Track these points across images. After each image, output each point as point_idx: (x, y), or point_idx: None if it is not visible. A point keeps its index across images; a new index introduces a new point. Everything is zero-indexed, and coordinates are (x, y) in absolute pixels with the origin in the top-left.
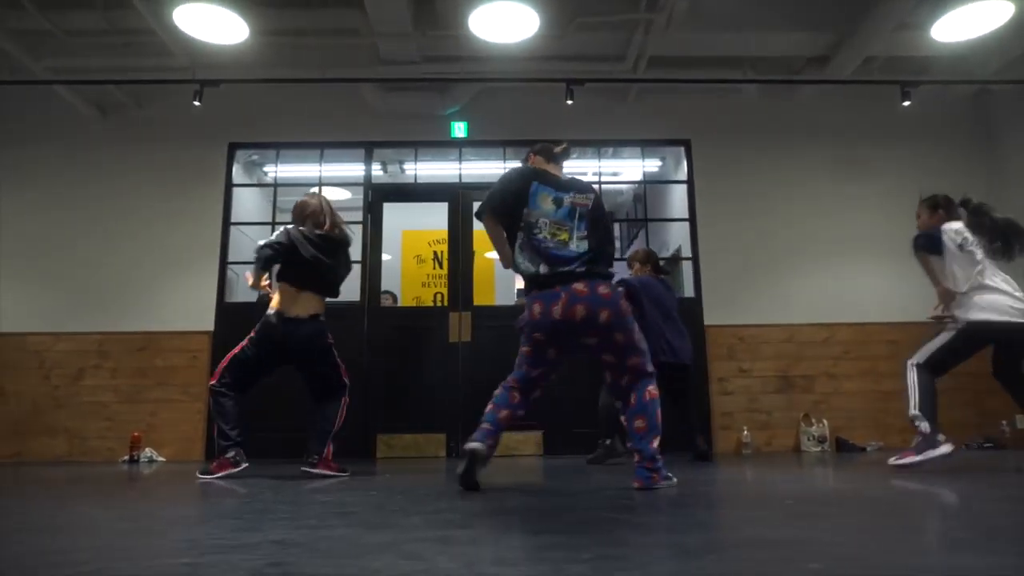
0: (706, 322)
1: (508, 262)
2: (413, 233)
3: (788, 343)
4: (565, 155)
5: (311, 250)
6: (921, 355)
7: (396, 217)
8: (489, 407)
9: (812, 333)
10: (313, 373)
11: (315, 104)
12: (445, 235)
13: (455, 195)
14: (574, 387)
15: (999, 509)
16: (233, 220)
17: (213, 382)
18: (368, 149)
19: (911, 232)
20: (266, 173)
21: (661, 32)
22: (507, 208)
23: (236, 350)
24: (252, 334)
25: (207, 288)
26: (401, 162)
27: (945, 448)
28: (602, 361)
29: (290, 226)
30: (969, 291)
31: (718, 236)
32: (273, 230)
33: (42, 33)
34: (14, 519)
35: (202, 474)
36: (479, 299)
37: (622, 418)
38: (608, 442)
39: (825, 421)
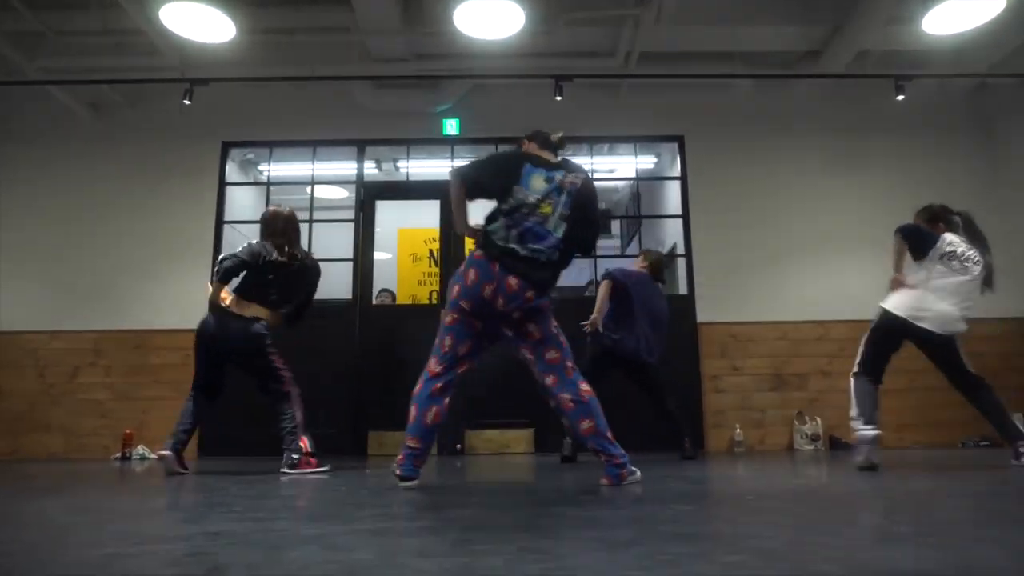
0: (699, 319)
1: (463, 228)
2: (409, 231)
3: (782, 341)
4: (560, 146)
5: (267, 273)
6: (856, 362)
7: (393, 215)
8: (412, 413)
9: (806, 331)
10: (252, 373)
11: (307, 102)
12: (439, 233)
13: (447, 193)
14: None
15: (955, 505)
16: (227, 218)
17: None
18: (360, 147)
19: None
20: (261, 171)
21: (650, 27)
22: (488, 185)
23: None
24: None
25: (201, 286)
26: (395, 160)
27: (869, 432)
28: (526, 360)
29: (254, 242)
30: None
31: (711, 232)
32: None
33: (35, 34)
34: None
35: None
36: None
37: (564, 420)
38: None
39: (819, 419)
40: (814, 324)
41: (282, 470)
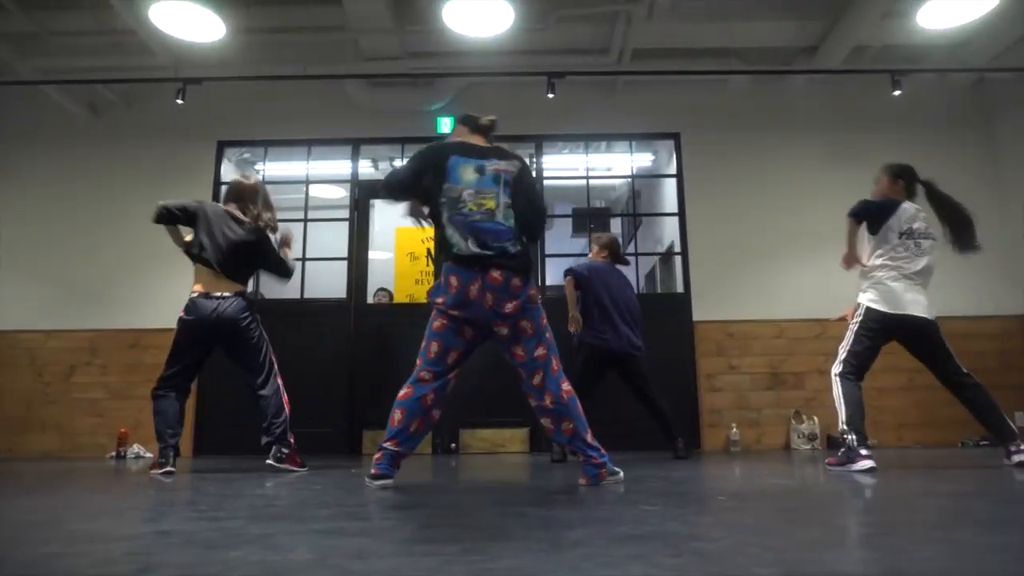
0: (695, 318)
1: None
2: (406, 230)
3: (779, 339)
4: (491, 128)
5: (224, 232)
6: (838, 361)
7: (391, 215)
8: (397, 418)
9: (803, 329)
10: (241, 352)
11: (302, 101)
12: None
13: None
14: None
15: (927, 506)
16: None
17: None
18: (355, 146)
19: None
20: (258, 171)
21: (643, 23)
22: (413, 185)
23: (169, 354)
24: (177, 330)
25: None
26: (391, 159)
27: (865, 463)
28: (513, 357)
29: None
30: (872, 270)
31: (708, 230)
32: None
33: (29, 34)
34: None
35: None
36: None
37: (545, 421)
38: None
39: (816, 418)
40: (812, 322)
41: (269, 461)
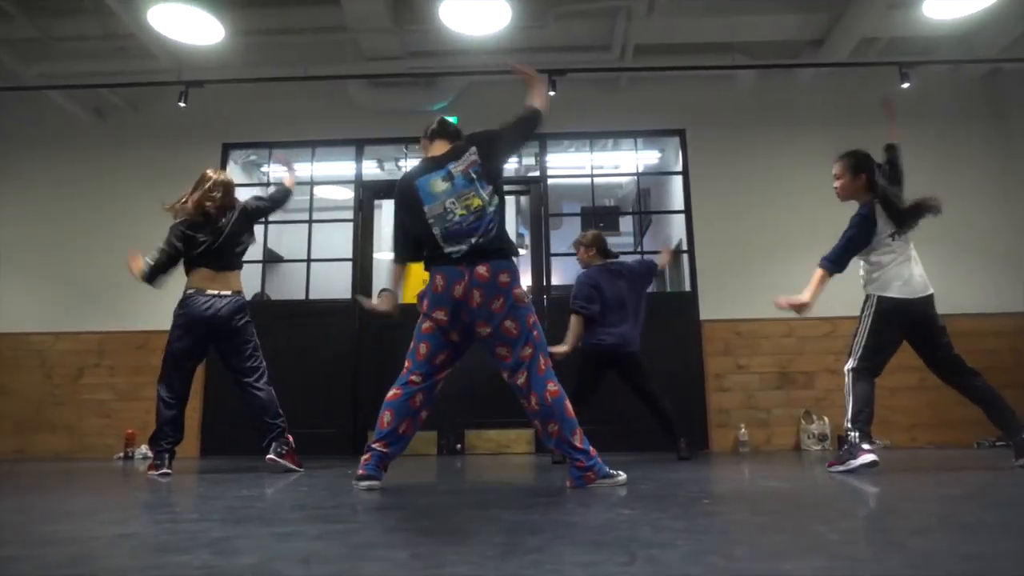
0: (702, 317)
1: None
2: None
3: (788, 338)
4: (443, 128)
5: (199, 238)
6: (852, 356)
7: None
8: (386, 420)
9: (813, 327)
10: (234, 353)
11: (305, 103)
12: None
13: None
14: (567, 383)
15: (911, 510)
16: None
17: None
18: (359, 146)
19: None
20: (265, 173)
21: (643, 19)
22: (414, 239)
23: (165, 354)
24: (173, 327)
25: None
26: (397, 159)
27: (866, 457)
28: (497, 356)
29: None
30: (874, 268)
31: (715, 227)
32: (266, 229)
33: (32, 41)
34: None
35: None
36: None
37: (535, 423)
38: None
39: (826, 419)
40: (821, 320)
41: (271, 456)
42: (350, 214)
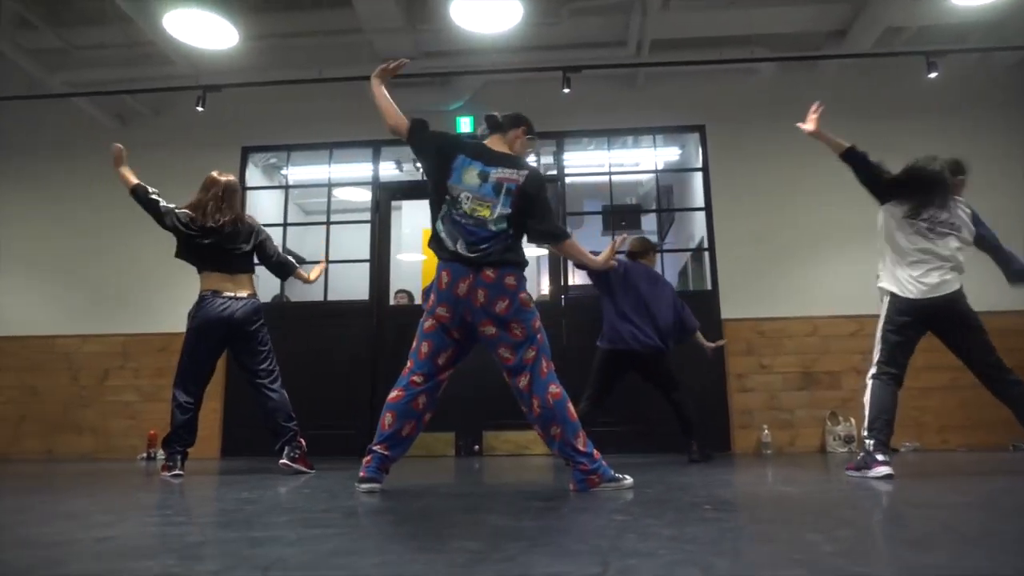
0: (723, 316)
1: (392, 120)
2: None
3: (812, 337)
4: (505, 125)
5: (201, 237)
6: (873, 361)
7: (419, 216)
8: (388, 422)
9: (838, 326)
10: (250, 355)
11: (323, 105)
12: None
13: None
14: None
15: (921, 517)
16: None
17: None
18: (376, 148)
19: None
20: (285, 176)
21: (658, 13)
22: (426, 143)
23: (181, 356)
24: (189, 329)
25: None
26: (415, 159)
27: (881, 470)
28: (499, 358)
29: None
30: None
31: (736, 224)
32: (285, 231)
33: (57, 50)
34: None
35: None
36: None
37: (537, 428)
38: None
39: (852, 420)
40: (847, 319)
41: (284, 461)
42: (368, 215)
